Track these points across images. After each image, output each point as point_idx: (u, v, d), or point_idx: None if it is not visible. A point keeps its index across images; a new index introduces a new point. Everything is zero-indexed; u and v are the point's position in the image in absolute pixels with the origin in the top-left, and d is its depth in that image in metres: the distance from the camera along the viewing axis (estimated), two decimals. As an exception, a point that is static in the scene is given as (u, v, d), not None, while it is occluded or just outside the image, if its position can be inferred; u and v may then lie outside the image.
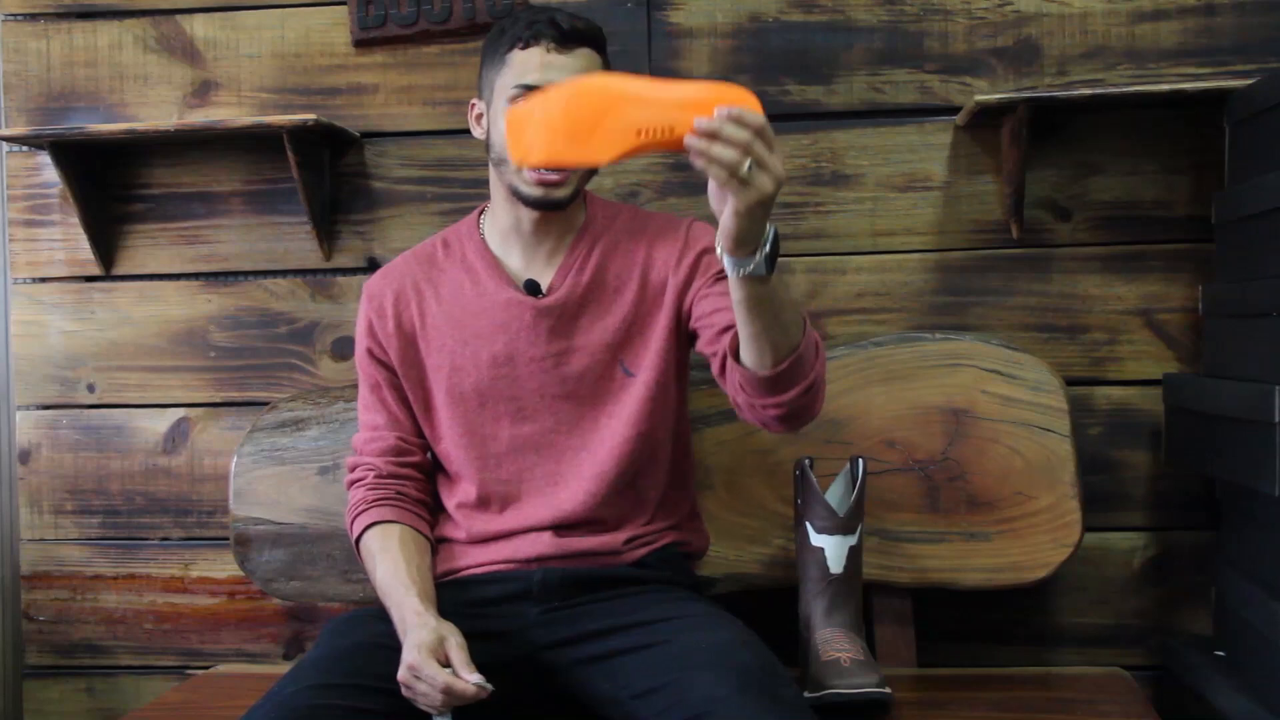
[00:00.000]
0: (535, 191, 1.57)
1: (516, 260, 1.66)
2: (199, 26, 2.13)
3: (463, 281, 1.67)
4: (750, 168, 1.22)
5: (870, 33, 2.03)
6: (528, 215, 1.62)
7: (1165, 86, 1.88)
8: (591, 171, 1.63)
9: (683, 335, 1.65)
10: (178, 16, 2.14)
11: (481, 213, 1.72)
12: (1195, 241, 1.99)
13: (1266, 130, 1.72)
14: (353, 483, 1.68)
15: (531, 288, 1.64)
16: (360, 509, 1.64)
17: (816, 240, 2.05)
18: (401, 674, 1.40)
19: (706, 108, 1.23)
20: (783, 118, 2.05)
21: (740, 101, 1.24)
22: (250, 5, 2.12)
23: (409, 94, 2.10)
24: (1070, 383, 1.94)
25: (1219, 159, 1.93)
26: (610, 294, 1.64)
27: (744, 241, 1.29)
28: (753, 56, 2.05)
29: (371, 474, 1.66)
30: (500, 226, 1.67)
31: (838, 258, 2.05)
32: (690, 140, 1.23)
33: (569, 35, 1.55)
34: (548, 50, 1.54)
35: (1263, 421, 1.58)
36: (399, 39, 2.09)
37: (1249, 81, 1.82)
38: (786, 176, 1.27)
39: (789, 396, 1.43)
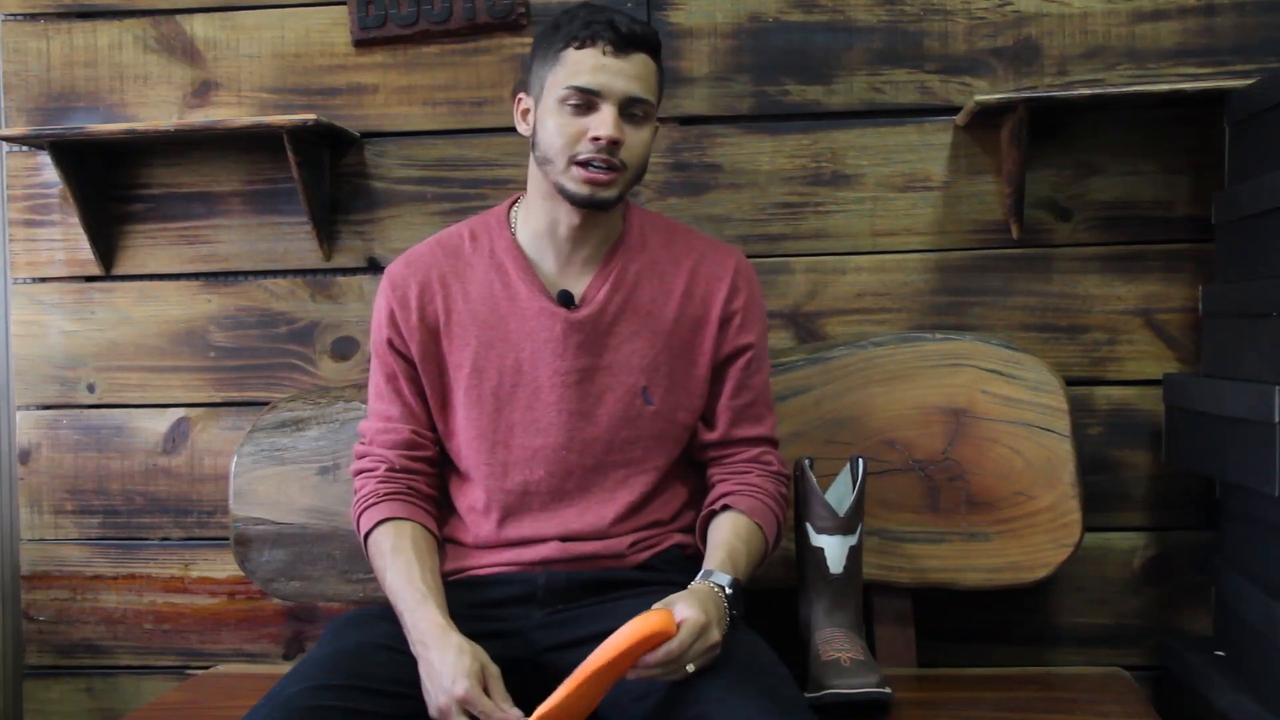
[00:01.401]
0: (583, 190, 1.52)
1: (549, 264, 1.62)
2: (199, 26, 2.13)
3: (492, 280, 1.62)
4: (691, 667, 1.36)
5: (870, 33, 2.03)
6: (568, 218, 1.58)
7: (1165, 86, 1.88)
8: (639, 178, 1.59)
9: (711, 378, 1.65)
10: (178, 16, 2.14)
11: (512, 206, 1.68)
12: (1195, 241, 1.99)
13: (1266, 130, 1.72)
14: (361, 472, 1.65)
15: (565, 299, 1.60)
16: (370, 501, 1.61)
17: (816, 240, 2.05)
18: (442, 702, 1.40)
19: (633, 655, 1.34)
20: (783, 118, 2.05)
21: (653, 638, 1.34)
22: (250, 5, 2.12)
23: (409, 94, 2.10)
24: (1070, 383, 1.94)
25: (1219, 159, 1.93)
26: (643, 316, 1.61)
27: None
28: (753, 56, 2.05)
29: (383, 466, 1.63)
30: (534, 226, 1.62)
31: (838, 258, 2.05)
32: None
33: (627, 39, 1.51)
34: (604, 53, 1.50)
35: (1263, 421, 1.58)
36: (399, 39, 2.09)
37: (1249, 81, 1.82)
38: (717, 641, 1.39)
39: None
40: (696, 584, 1.46)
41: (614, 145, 1.50)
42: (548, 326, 1.59)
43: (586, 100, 1.51)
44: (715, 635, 1.38)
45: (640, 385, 1.60)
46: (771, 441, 1.67)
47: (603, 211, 1.57)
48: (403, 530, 1.59)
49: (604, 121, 1.50)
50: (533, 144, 1.58)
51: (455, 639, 1.44)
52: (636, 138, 1.53)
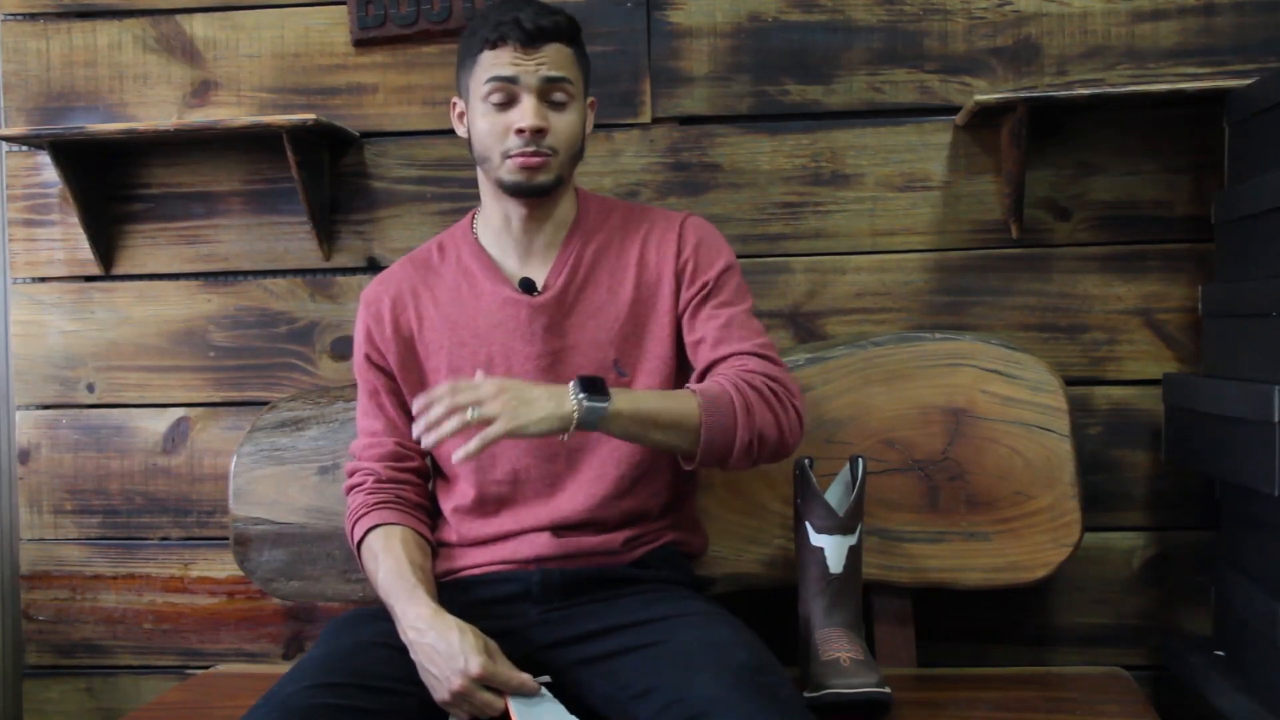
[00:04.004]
0: (518, 178, 1.57)
1: (511, 259, 1.66)
2: (199, 26, 2.13)
3: (459, 283, 1.67)
4: (474, 412, 1.40)
5: (870, 32, 2.03)
6: (516, 209, 1.62)
7: (1165, 86, 1.88)
8: (575, 159, 1.62)
9: (680, 339, 1.65)
10: (177, 16, 2.14)
11: (474, 216, 1.72)
12: (1195, 241, 1.99)
13: (1266, 130, 1.72)
14: (352, 488, 1.68)
15: (527, 285, 1.64)
16: (360, 513, 1.63)
17: (816, 240, 2.05)
18: (457, 685, 1.41)
19: None
20: (783, 118, 2.05)
21: None
22: (250, 5, 2.12)
23: (408, 94, 2.10)
24: (1070, 383, 1.94)
25: (1219, 159, 1.93)
26: (605, 292, 1.64)
27: (538, 432, 1.43)
28: (752, 56, 2.05)
29: (371, 479, 1.66)
30: (492, 226, 1.67)
31: (837, 257, 2.05)
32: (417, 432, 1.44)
33: (534, 35, 1.55)
34: (514, 50, 1.55)
35: (1263, 421, 1.58)
36: (399, 39, 2.09)
37: (1248, 81, 1.82)
38: (500, 390, 1.41)
39: (730, 466, 1.56)
40: None
41: (538, 134, 1.55)
42: (513, 315, 1.62)
43: (507, 92, 1.56)
44: (497, 393, 1.41)
45: (611, 359, 1.62)
46: (756, 355, 1.60)
47: (544, 196, 1.60)
48: (392, 533, 1.61)
49: (525, 112, 1.54)
50: (469, 146, 1.63)
51: (451, 620, 1.47)
52: (562, 122, 1.57)
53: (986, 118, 1.98)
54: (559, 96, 1.57)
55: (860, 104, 2.04)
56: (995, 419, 1.87)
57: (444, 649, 1.44)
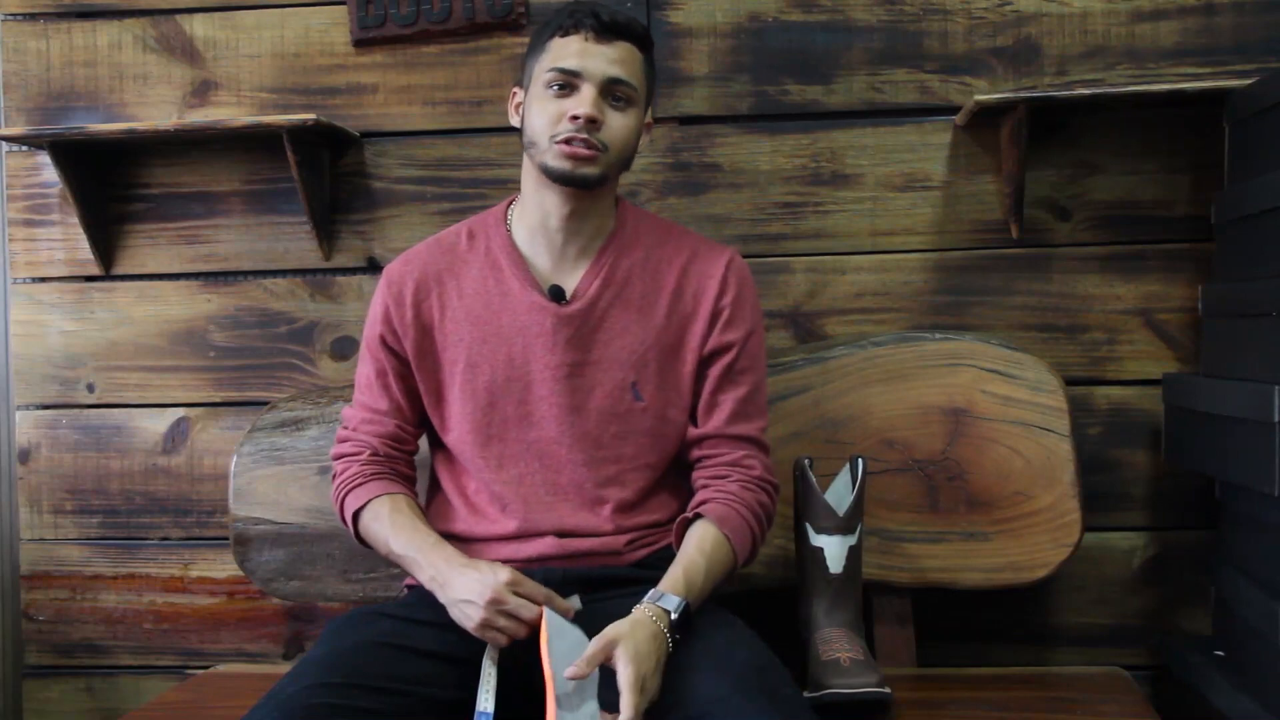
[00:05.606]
0: (564, 165, 1.55)
1: (543, 259, 1.64)
2: (199, 26, 2.14)
3: (486, 277, 1.65)
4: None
5: (870, 33, 2.03)
6: (557, 206, 1.60)
7: (1165, 86, 1.88)
8: (623, 165, 1.62)
9: (699, 374, 1.65)
10: (177, 16, 2.14)
11: (509, 205, 1.71)
12: (1195, 241, 1.99)
13: (1266, 130, 1.72)
14: (343, 455, 1.67)
15: (556, 293, 1.62)
16: (358, 481, 1.63)
17: (816, 240, 2.05)
18: (489, 595, 1.45)
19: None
20: (783, 118, 2.05)
21: None
22: (250, 5, 2.12)
23: (408, 94, 2.10)
24: (1070, 382, 1.94)
25: (1219, 159, 1.93)
26: (634, 311, 1.62)
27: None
28: (752, 56, 2.05)
29: (367, 451, 1.66)
30: (529, 222, 1.65)
31: (837, 257, 2.05)
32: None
33: (608, 27, 1.55)
34: (585, 39, 1.55)
35: (1263, 421, 1.58)
36: (399, 39, 2.09)
37: (1249, 81, 1.82)
38: (654, 689, 1.38)
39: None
40: (641, 611, 1.44)
41: (592, 124, 1.54)
42: (539, 321, 1.61)
43: (568, 82, 1.55)
44: (652, 686, 1.38)
45: (629, 380, 1.61)
46: (758, 444, 1.65)
47: (586, 191, 1.59)
48: (398, 500, 1.63)
49: (583, 101, 1.54)
50: (521, 132, 1.62)
51: (475, 561, 1.52)
52: (618, 121, 1.57)
53: (986, 118, 1.98)
54: (619, 96, 1.56)
55: (860, 104, 2.04)
56: (995, 419, 1.87)
57: (474, 573, 1.48)
